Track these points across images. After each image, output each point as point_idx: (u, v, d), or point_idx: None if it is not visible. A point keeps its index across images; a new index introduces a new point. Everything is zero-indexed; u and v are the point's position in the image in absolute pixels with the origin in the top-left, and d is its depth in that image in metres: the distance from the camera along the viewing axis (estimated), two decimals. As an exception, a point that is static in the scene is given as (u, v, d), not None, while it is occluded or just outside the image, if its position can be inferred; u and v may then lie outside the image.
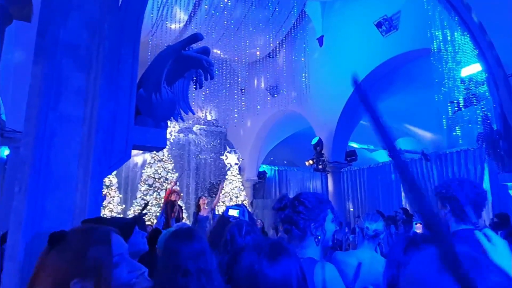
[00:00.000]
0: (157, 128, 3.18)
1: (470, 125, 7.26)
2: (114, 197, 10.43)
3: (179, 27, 10.77)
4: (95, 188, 2.59)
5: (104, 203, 9.90)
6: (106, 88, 2.81)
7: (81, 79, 2.75)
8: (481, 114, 6.54)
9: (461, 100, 7.13)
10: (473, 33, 6.65)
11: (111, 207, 10.11)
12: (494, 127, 6.49)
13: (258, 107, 12.74)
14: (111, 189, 10.40)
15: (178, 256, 1.41)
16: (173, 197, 6.71)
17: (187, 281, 1.37)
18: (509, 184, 6.33)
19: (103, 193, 9.97)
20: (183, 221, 9.17)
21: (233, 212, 2.43)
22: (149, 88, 3.24)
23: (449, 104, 7.52)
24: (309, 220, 1.66)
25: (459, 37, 6.83)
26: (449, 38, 6.89)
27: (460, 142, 8.66)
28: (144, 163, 12.19)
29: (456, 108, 7.35)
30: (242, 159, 13.60)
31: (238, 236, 1.98)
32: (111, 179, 10.42)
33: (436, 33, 6.99)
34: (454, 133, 8.17)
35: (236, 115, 12.78)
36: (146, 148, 3.42)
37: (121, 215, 9.73)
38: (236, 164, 13.28)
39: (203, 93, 11.97)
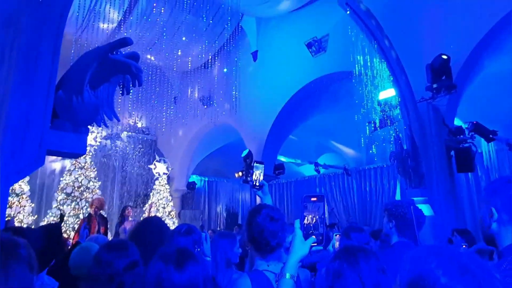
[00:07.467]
0: (76, 133, 3.00)
1: (384, 144, 7.98)
2: (25, 206, 9.44)
3: (111, 27, 10.28)
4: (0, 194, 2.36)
5: (12, 213, 8.91)
6: (19, 87, 2.60)
7: (-11, 75, 2.51)
8: (393, 134, 7.23)
9: (377, 121, 7.83)
10: (389, 61, 7.37)
11: (21, 218, 9.13)
12: (404, 147, 7.20)
13: (186, 118, 12.58)
14: (22, 197, 9.41)
15: (112, 268, 1.39)
16: (92, 208, 6.11)
17: None
18: (415, 199, 7.02)
19: (12, 202, 9.00)
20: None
21: None
22: (70, 90, 3.05)
23: (367, 124, 8.20)
24: None
25: (377, 63, 7.51)
26: (369, 63, 7.55)
27: (375, 159, 9.43)
28: (63, 169, 11.27)
29: (373, 128, 8.04)
30: (172, 169, 13.26)
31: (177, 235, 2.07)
32: (23, 186, 9.44)
33: (358, 58, 7.61)
34: (370, 151, 8.88)
35: (166, 124, 12.49)
36: (63, 154, 3.20)
37: (33, 226, 8.83)
38: (165, 173, 12.91)
39: (132, 98, 11.51)
